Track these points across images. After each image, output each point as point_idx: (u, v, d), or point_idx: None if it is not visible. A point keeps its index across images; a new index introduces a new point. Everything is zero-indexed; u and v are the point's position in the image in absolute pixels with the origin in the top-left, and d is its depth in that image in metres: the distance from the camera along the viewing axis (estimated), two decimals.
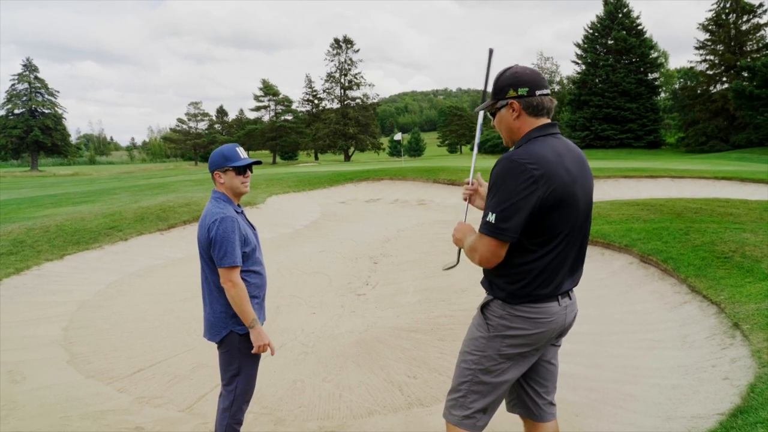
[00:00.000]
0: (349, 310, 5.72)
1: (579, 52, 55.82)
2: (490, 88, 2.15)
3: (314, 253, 8.61)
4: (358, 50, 64.82)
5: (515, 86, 2.01)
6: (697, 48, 48.47)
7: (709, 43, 47.84)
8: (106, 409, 3.65)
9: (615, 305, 5.28)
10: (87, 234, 8.58)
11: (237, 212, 2.67)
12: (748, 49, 46.45)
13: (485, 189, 2.29)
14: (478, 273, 2.22)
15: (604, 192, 13.26)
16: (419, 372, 4.11)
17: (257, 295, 2.71)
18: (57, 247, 7.88)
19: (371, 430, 3.33)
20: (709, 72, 48.16)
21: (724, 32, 46.41)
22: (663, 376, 3.74)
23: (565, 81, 67.97)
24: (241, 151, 2.72)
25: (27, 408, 3.67)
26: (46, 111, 59.95)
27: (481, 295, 2.24)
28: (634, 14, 53.35)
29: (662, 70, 60.39)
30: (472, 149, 73.60)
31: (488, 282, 2.11)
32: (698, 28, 48.22)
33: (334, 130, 62.28)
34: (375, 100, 67.62)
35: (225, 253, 2.51)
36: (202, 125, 75.62)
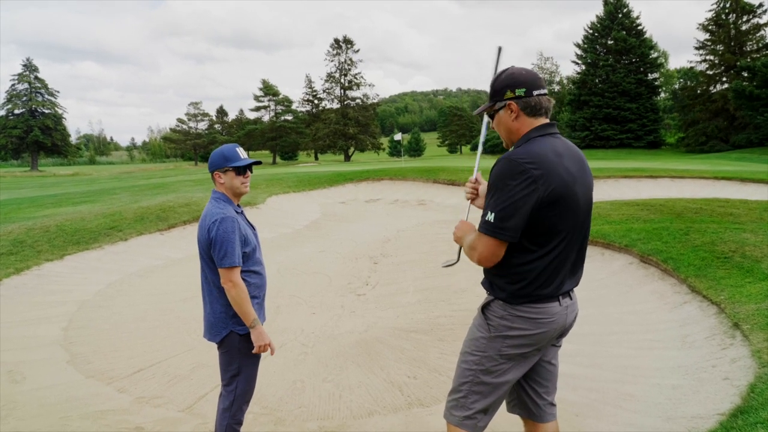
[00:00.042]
0: (349, 310, 5.72)
1: (579, 52, 55.83)
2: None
3: (314, 253, 8.61)
4: (358, 50, 64.89)
5: (512, 87, 2.02)
6: (697, 48, 48.49)
7: (709, 43, 47.85)
8: (106, 409, 3.64)
9: (615, 305, 5.28)
10: (87, 234, 8.58)
11: (237, 212, 2.67)
12: (748, 49, 46.45)
13: (485, 188, 2.29)
14: (478, 273, 2.22)
15: (604, 192, 13.26)
16: (419, 372, 4.11)
17: (257, 295, 2.71)
18: (57, 247, 7.88)
19: (371, 430, 3.33)
20: (709, 72, 48.17)
21: (724, 32, 46.42)
22: (663, 376, 3.74)
23: (565, 81, 67.97)
24: (241, 152, 2.72)
25: (27, 408, 3.67)
26: (46, 111, 59.96)
27: (481, 295, 2.24)
28: (634, 14, 53.41)
29: (662, 70, 60.42)
30: (472, 149, 73.68)
31: (489, 282, 2.11)
32: (698, 28, 48.28)
33: (334, 131, 62.28)
34: (375, 101, 67.61)
35: (225, 254, 2.51)
36: (202, 125, 75.63)
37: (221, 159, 2.66)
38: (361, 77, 65.07)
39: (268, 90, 66.72)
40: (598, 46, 54.04)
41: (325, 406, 3.65)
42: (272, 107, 67.34)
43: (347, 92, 65.11)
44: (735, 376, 3.40)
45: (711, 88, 48.05)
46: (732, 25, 46.24)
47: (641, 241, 6.39)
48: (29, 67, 59.02)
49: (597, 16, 54.47)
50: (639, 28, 52.97)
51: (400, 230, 10.27)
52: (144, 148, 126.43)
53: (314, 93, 68.40)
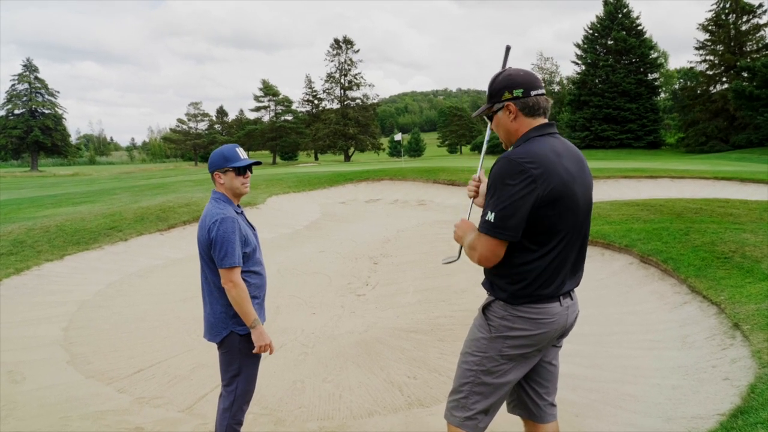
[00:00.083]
0: (349, 310, 5.72)
1: (579, 52, 55.80)
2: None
3: (314, 253, 8.61)
4: (358, 50, 64.86)
5: (510, 88, 2.03)
6: (696, 48, 48.48)
7: (709, 44, 47.83)
8: (106, 410, 3.64)
9: (615, 305, 5.28)
10: (87, 234, 8.58)
11: (237, 213, 2.67)
12: (748, 49, 46.44)
13: (485, 186, 2.29)
14: (478, 274, 2.22)
15: (604, 192, 13.26)
16: (419, 372, 4.11)
17: (257, 296, 2.71)
18: (57, 247, 7.88)
19: (371, 430, 3.33)
20: (709, 72, 48.16)
21: (724, 32, 46.41)
22: (663, 376, 3.74)
23: (564, 81, 67.93)
24: (241, 152, 2.72)
25: (27, 408, 3.67)
26: (46, 111, 59.97)
27: (481, 295, 2.24)
28: (634, 14, 53.36)
29: (662, 70, 60.38)
30: (472, 149, 73.69)
31: (489, 283, 2.11)
32: (698, 28, 48.23)
33: (334, 131, 62.26)
34: (375, 101, 67.59)
35: (226, 254, 2.50)
36: (202, 125, 75.65)
37: (221, 159, 2.66)
38: (361, 77, 65.09)
39: (268, 90, 66.72)
40: (598, 47, 54.03)
41: (325, 406, 3.65)
42: (272, 107, 67.33)
43: (347, 92, 65.10)
44: (735, 377, 3.40)
45: (711, 88, 48.04)
46: (732, 26, 46.24)
47: (641, 241, 6.39)
48: (29, 67, 59.03)
49: (597, 17, 54.45)
50: (639, 28, 52.95)
51: (400, 230, 10.27)
52: (144, 148, 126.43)
53: (314, 93, 68.42)
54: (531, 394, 2.23)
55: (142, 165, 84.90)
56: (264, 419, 3.48)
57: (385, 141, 74.33)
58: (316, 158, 69.84)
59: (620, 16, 52.80)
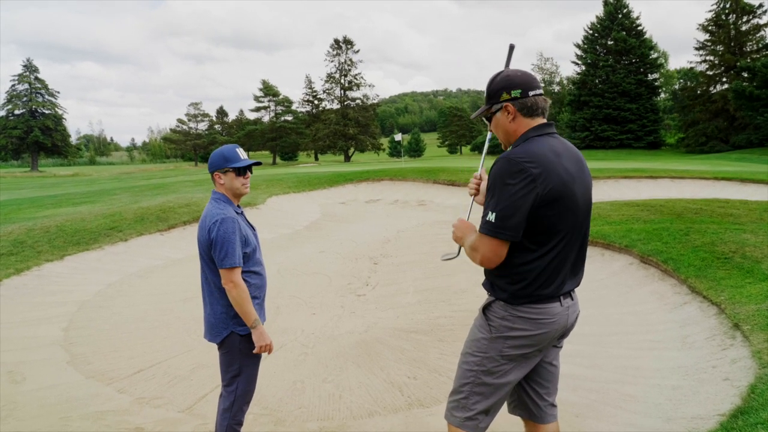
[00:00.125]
0: (349, 310, 5.72)
1: (579, 52, 55.81)
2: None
3: (314, 253, 8.61)
4: (358, 51, 64.84)
5: (508, 89, 2.03)
6: (697, 48, 48.48)
7: (709, 44, 47.84)
8: (106, 410, 3.64)
9: (615, 306, 5.28)
10: (87, 234, 8.58)
11: (237, 213, 2.67)
12: (748, 49, 46.44)
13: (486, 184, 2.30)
14: (478, 274, 2.22)
15: (604, 192, 13.26)
16: (419, 373, 4.11)
17: (257, 296, 2.71)
18: (57, 247, 7.88)
19: (371, 430, 3.33)
20: (709, 72, 48.15)
21: (724, 33, 46.41)
22: (663, 376, 3.74)
23: (564, 81, 67.90)
24: (241, 152, 2.72)
25: (27, 408, 3.67)
26: (47, 112, 60.00)
27: (481, 296, 2.24)
28: (634, 15, 53.36)
29: (662, 70, 60.38)
30: (472, 150, 73.71)
31: (490, 283, 2.11)
32: (698, 28, 48.24)
33: (334, 131, 62.26)
34: (375, 101, 67.57)
35: (226, 254, 2.50)
36: (202, 126, 75.66)
37: (221, 160, 2.66)
38: (361, 78, 65.06)
39: (268, 90, 66.73)
40: (598, 47, 54.04)
41: (325, 406, 3.65)
42: (272, 108, 67.36)
43: (347, 93, 65.09)
44: (735, 377, 3.40)
45: (711, 88, 48.04)
46: (732, 26, 46.24)
47: (641, 241, 6.39)
48: (29, 67, 59.05)
49: (597, 17, 54.46)
50: (639, 28, 52.96)
51: (400, 231, 10.27)
52: (144, 148, 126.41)
53: (314, 93, 68.41)
54: (531, 394, 2.23)
55: (142, 165, 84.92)
56: (264, 419, 3.48)
57: (385, 141, 74.32)
58: (316, 158, 69.85)
59: (620, 16, 52.81)
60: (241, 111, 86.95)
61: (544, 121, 2.07)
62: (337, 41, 64.35)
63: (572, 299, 2.11)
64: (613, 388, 3.67)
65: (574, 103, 54.55)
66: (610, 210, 8.61)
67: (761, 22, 45.20)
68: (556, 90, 67.58)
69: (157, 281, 7.15)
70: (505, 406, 2.29)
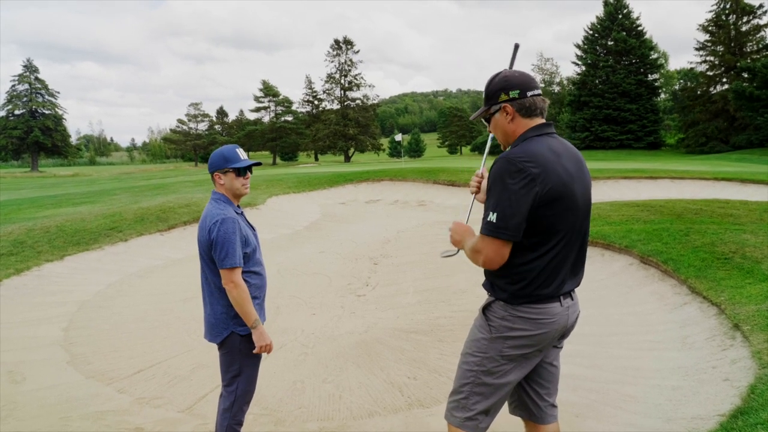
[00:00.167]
0: (349, 311, 5.72)
1: (579, 53, 55.84)
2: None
3: (314, 253, 8.62)
4: (358, 51, 64.83)
5: (506, 90, 2.04)
6: (697, 49, 48.49)
7: (709, 44, 47.85)
8: (106, 410, 3.65)
9: (615, 306, 5.28)
10: (87, 235, 8.58)
11: (237, 213, 2.67)
12: (748, 50, 46.45)
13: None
14: (478, 274, 2.22)
15: (604, 193, 13.26)
16: (419, 373, 4.11)
17: (258, 296, 2.71)
18: (57, 247, 7.88)
19: (371, 431, 3.33)
20: (709, 73, 48.16)
21: (724, 33, 46.42)
22: (663, 377, 3.74)
23: (565, 82, 67.92)
24: (241, 153, 2.72)
25: (27, 408, 3.67)
26: (47, 112, 60.03)
27: (481, 296, 2.24)
28: (634, 15, 53.38)
29: (662, 71, 60.39)
30: (472, 150, 73.72)
31: (489, 283, 2.11)
32: (698, 29, 48.26)
33: (334, 131, 62.26)
34: (375, 101, 67.56)
35: (227, 254, 2.50)
36: (202, 126, 75.63)
37: (221, 160, 2.66)
38: (361, 78, 65.06)
39: (268, 91, 66.74)
40: (598, 47, 54.05)
41: (325, 406, 3.65)
42: (272, 108, 67.36)
43: (347, 93, 65.09)
44: (735, 377, 3.40)
45: (711, 89, 48.05)
46: (732, 26, 46.25)
47: (641, 242, 6.39)
48: (29, 67, 59.08)
49: (597, 17, 54.47)
50: (639, 28, 52.97)
51: (400, 231, 10.28)
52: (144, 148, 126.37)
53: (314, 94, 68.41)
54: (532, 395, 2.23)
55: (142, 165, 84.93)
56: (264, 419, 3.48)
57: (385, 141, 74.30)
58: (316, 159, 69.87)
59: (620, 16, 52.82)
60: (241, 111, 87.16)
61: (543, 121, 2.07)
62: (337, 41, 64.37)
63: (572, 299, 2.11)
64: (613, 388, 3.67)
65: (574, 104, 54.57)
66: (610, 210, 8.61)
67: (761, 22, 45.23)
68: (556, 90, 67.57)
69: (157, 281, 7.16)
70: (505, 407, 2.29)
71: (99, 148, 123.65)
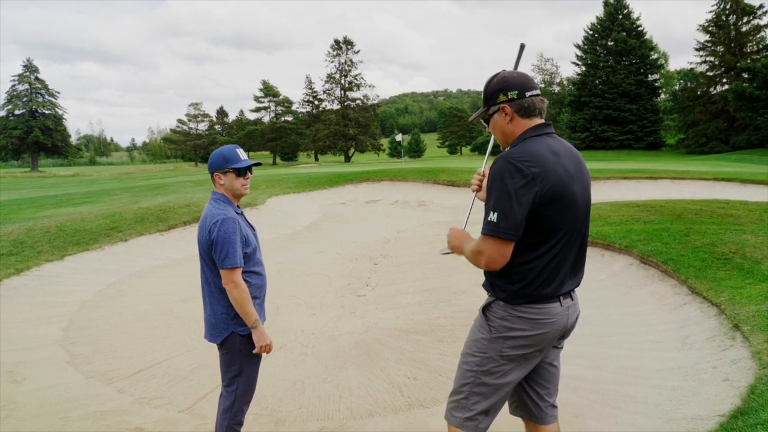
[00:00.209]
0: (349, 311, 5.72)
1: (579, 53, 55.85)
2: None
3: (314, 254, 8.62)
4: (358, 51, 64.87)
5: (505, 90, 2.04)
6: (697, 49, 48.48)
7: (710, 45, 47.85)
8: (106, 410, 3.65)
9: (615, 306, 5.28)
10: (87, 235, 8.58)
11: (237, 213, 2.68)
12: (749, 50, 46.45)
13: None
14: (478, 274, 2.22)
15: (604, 193, 13.26)
16: (419, 373, 4.11)
17: (258, 296, 2.71)
18: (57, 247, 7.88)
19: (371, 431, 3.33)
20: (710, 73, 48.15)
21: (725, 33, 46.42)
22: (663, 377, 3.74)
23: (565, 82, 67.93)
24: (241, 153, 2.72)
25: (27, 408, 3.67)
26: (47, 112, 60.04)
27: (480, 296, 2.24)
28: (634, 15, 53.41)
29: (662, 71, 60.38)
30: (472, 150, 73.74)
31: (489, 283, 2.11)
32: (698, 29, 48.25)
33: (334, 131, 62.27)
34: (375, 101, 67.59)
35: (227, 254, 2.50)
36: (203, 126, 75.64)
37: (221, 160, 2.66)
38: (362, 78, 65.09)
39: (269, 91, 66.77)
40: (598, 48, 54.06)
41: (325, 406, 3.65)
42: (272, 108, 67.40)
43: (347, 93, 65.12)
44: (735, 378, 3.40)
45: (711, 89, 48.04)
46: (732, 27, 46.25)
47: (641, 242, 6.39)
48: (30, 67, 59.09)
49: (597, 18, 54.48)
50: (639, 29, 52.98)
51: (400, 231, 10.28)
52: (144, 148, 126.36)
53: (314, 94, 68.44)
54: (532, 395, 2.23)
55: (142, 165, 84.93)
56: (264, 419, 3.48)
57: (385, 142, 74.33)
58: (317, 159, 69.87)
59: (620, 17, 52.84)
60: (241, 111, 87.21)
61: (542, 121, 2.07)
62: (337, 42, 64.39)
63: (572, 299, 2.11)
64: (613, 388, 3.67)
65: (574, 104, 54.58)
66: (610, 210, 8.61)
67: (761, 23, 45.23)
68: (556, 91, 67.58)
69: (157, 281, 7.16)
70: (505, 407, 2.29)
71: (99, 148, 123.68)
